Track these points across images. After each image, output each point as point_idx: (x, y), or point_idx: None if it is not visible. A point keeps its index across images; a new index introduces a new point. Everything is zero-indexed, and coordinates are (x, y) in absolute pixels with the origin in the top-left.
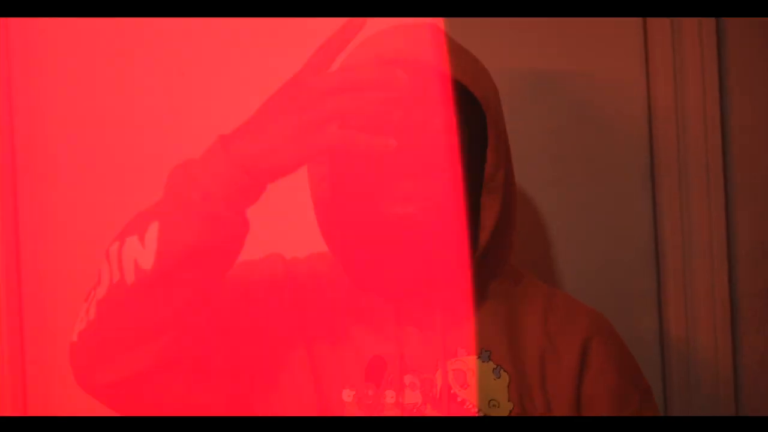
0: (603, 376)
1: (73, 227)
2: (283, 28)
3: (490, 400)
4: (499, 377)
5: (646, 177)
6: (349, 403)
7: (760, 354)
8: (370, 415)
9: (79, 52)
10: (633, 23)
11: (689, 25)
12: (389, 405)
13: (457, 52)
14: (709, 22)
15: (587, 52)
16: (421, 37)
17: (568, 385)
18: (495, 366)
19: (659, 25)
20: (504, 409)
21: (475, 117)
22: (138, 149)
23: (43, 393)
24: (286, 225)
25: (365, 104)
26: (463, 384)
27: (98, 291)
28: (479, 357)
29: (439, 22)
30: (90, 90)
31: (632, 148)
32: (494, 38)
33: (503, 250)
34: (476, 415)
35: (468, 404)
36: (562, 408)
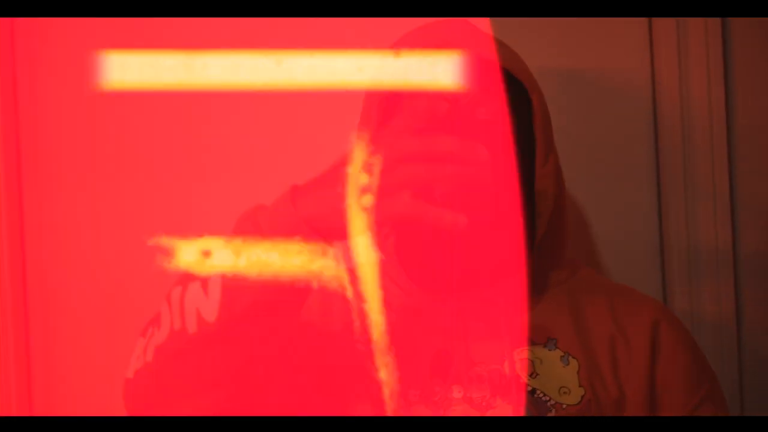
0: (676, 359)
1: (77, 228)
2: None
3: (560, 387)
4: (567, 364)
5: (651, 177)
6: (415, 403)
7: (765, 356)
8: (438, 413)
9: (85, 54)
10: (638, 23)
11: (695, 24)
12: (457, 400)
13: (495, 40)
14: (714, 22)
15: (592, 51)
16: (464, 28)
17: (641, 369)
18: (563, 353)
19: (664, 24)
20: (575, 395)
21: (519, 103)
22: (144, 151)
23: (48, 392)
24: None
25: (441, 177)
26: (531, 373)
27: (158, 335)
28: (546, 345)
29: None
30: (96, 93)
31: (637, 148)
32: (499, 37)
33: (559, 238)
34: (547, 403)
35: (539, 393)
36: (635, 392)
